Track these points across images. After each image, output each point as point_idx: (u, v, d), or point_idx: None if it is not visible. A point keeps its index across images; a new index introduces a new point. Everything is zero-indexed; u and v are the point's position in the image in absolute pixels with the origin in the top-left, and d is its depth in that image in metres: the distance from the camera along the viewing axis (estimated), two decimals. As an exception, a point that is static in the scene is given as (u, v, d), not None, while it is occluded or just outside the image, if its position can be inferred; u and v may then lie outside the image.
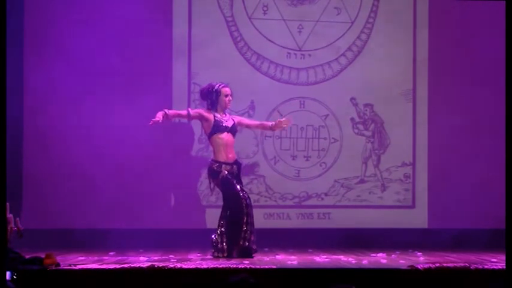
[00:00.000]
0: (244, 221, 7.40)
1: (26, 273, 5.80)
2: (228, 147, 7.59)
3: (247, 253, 7.34)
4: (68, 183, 8.57)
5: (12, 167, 7.67)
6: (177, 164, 8.81)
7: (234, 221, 7.42)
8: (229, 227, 7.43)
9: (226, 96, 7.62)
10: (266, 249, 8.32)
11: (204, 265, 6.27)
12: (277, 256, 7.52)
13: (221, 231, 7.45)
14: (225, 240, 7.42)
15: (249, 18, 9.08)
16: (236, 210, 7.43)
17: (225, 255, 7.36)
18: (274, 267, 6.23)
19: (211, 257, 7.33)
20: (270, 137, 9.03)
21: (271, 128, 7.86)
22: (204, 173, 8.54)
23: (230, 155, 7.59)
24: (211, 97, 7.62)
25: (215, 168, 7.57)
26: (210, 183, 7.73)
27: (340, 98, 9.13)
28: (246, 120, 8.09)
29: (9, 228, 6.03)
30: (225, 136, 7.60)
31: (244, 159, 8.65)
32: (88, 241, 8.33)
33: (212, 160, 7.62)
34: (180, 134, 8.84)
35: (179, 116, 7.81)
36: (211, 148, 7.73)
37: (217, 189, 7.68)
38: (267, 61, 9.05)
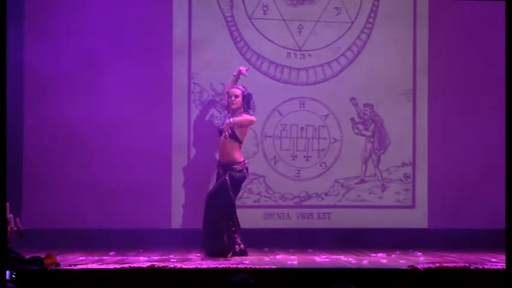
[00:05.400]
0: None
1: (26, 273, 5.81)
2: None
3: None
4: (68, 183, 8.57)
5: (12, 167, 7.66)
6: (178, 164, 8.80)
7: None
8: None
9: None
10: (266, 249, 8.33)
11: (204, 265, 6.27)
12: (277, 256, 7.52)
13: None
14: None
15: (249, 18, 9.07)
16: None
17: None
18: (274, 267, 6.23)
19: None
20: (270, 137, 9.03)
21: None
22: (203, 173, 8.57)
23: None
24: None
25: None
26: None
27: (340, 98, 9.12)
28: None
29: (9, 228, 6.03)
30: None
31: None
32: (88, 241, 8.34)
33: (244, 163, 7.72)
34: (180, 134, 8.83)
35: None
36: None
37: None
38: (267, 61, 9.04)
